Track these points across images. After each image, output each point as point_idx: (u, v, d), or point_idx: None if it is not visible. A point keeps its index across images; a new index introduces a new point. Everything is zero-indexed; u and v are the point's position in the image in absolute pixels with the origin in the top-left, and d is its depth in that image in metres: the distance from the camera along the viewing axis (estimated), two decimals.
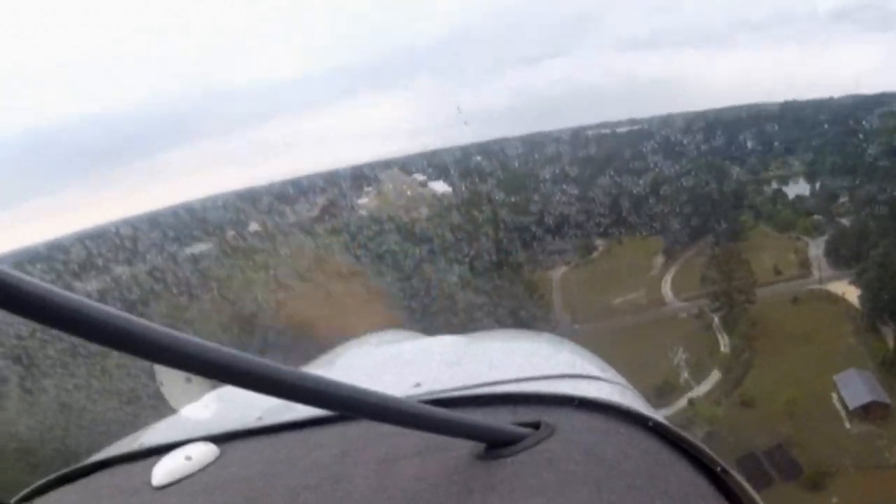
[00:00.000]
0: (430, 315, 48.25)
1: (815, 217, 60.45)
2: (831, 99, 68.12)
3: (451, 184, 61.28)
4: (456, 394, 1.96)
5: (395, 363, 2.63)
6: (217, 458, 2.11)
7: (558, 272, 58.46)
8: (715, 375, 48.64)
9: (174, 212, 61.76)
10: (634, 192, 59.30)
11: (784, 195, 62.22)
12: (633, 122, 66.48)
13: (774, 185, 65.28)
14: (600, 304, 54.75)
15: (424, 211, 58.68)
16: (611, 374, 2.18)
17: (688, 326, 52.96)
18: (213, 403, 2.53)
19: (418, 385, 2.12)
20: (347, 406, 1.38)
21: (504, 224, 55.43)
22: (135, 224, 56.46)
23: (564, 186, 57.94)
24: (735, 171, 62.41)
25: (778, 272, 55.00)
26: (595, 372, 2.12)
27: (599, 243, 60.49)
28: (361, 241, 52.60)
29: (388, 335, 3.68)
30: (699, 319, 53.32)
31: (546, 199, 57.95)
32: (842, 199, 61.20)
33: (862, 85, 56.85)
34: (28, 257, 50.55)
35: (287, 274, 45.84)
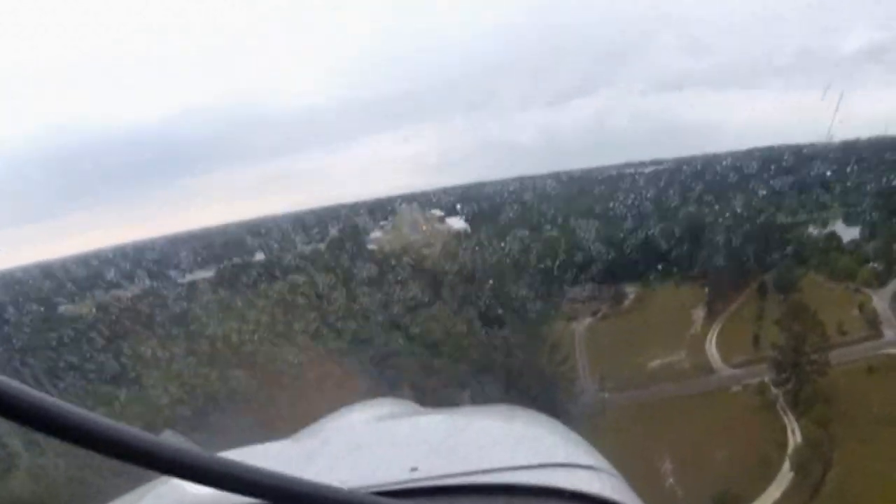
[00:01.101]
0: (432, 374, 37.90)
1: (873, 265, 47.32)
2: (858, 140, 57.57)
3: (468, 220, 52.64)
4: (453, 481, 1.90)
5: (388, 442, 2.40)
6: None
7: (583, 323, 45.87)
8: (786, 475, 34.55)
9: (186, 237, 55.68)
10: (668, 234, 49.31)
11: (838, 239, 49.51)
12: (656, 162, 57.03)
13: (812, 228, 53.02)
14: (633, 366, 42.20)
15: (437, 248, 49.95)
16: (602, 462, 2.19)
17: (743, 402, 39.32)
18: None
19: (415, 469, 1.96)
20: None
21: (523, 266, 47.22)
22: (141, 248, 51.57)
23: (591, 226, 48.18)
24: (773, 213, 52.03)
25: (842, 332, 40.92)
26: (587, 461, 2.12)
27: (630, 290, 47.97)
28: (362, 280, 44.17)
29: (379, 405, 3.16)
30: (759, 395, 39.59)
31: (572, 241, 47.59)
32: None
33: (891, 127, 46.54)
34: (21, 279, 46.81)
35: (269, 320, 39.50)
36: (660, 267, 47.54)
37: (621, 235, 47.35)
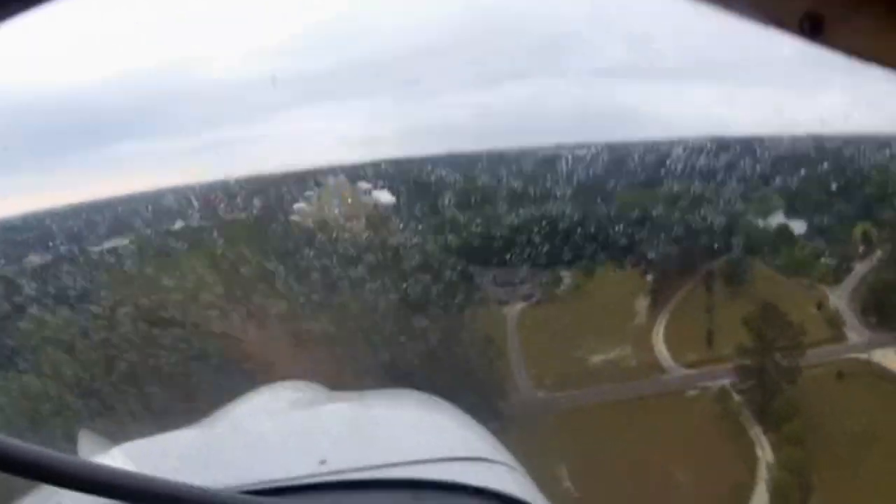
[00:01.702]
0: (348, 361, 31.50)
1: (826, 260, 41.99)
2: (796, 136, 52.53)
3: (396, 194, 46.37)
4: (361, 476, 1.94)
5: (296, 431, 2.48)
6: None
7: (514, 309, 39.18)
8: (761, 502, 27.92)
9: (105, 204, 48.72)
10: (605, 218, 43.48)
11: (789, 231, 44.03)
12: (590, 145, 51.24)
13: (758, 219, 47.70)
14: (573, 361, 35.59)
15: (361, 222, 44.34)
16: (503, 455, 2.27)
17: (702, 410, 33.26)
18: (118, 458, 2.06)
19: (324, 462, 2.01)
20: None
21: (452, 245, 41.34)
22: (59, 214, 44.88)
23: (524, 207, 42.64)
24: (716, 202, 46.49)
25: (802, 332, 34.80)
26: (490, 454, 2.19)
27: (565, 275, 41.89)
28: (278, 253, 38.28)
29: (286, 390, 3.26)
30: (719, 402, 33.65)
31: (503, 221, 41.85)
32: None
33: (826, 125, 42.31)
34: None
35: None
36: (596, 252, 41.08)
37: (555, 217, 41.06)
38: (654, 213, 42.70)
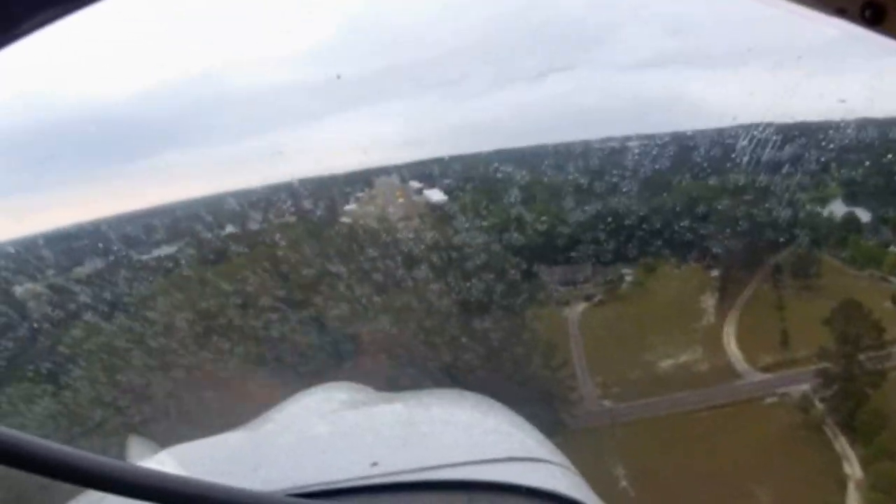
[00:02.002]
0: (407, 364, 30.17)
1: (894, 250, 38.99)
2: (856, 124, 49.08)
3: (448, 192, 44.46)
4: (414, 477, 2.00)
5: (346, 433, 2.55)
6: None
7: (576, 310, 36.53)
8: None
9: (158, 211, 43.69)
10: (664, 211, 40.92)
11: (856, 221, 41.15)
12: (640, 137, 48.63)
13: (820, 208, 44.67)
14: (641, 366, 33.03)
15: (414, 222, 42.69)
16: (555, 455, 2.25)
17: (782, 420, 29.86)
18: (167, 462, 2.20)
19: (376, 464, 2.06)
20: None
21: (508, 244, 39.28)
22: (104, 225, 39.94)
23: (580, 202, 38.62)
24: (774, 190, 43.48)
25: (880, 330, 31.43)
26: (542, 454, 2.22)
27: (626, 272, 39.02)
28: (330, 256, 35.82)
29: (334, 391, 3.35)
30: (801, 411, 30.26)
31: (559, 217, 38.82)
32: None
33: (876, 109, 38.20)
34: None
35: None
36: (660, 248, 38.68)
37: (613, 212, 38.79)
38: (716, 205, 40.14)
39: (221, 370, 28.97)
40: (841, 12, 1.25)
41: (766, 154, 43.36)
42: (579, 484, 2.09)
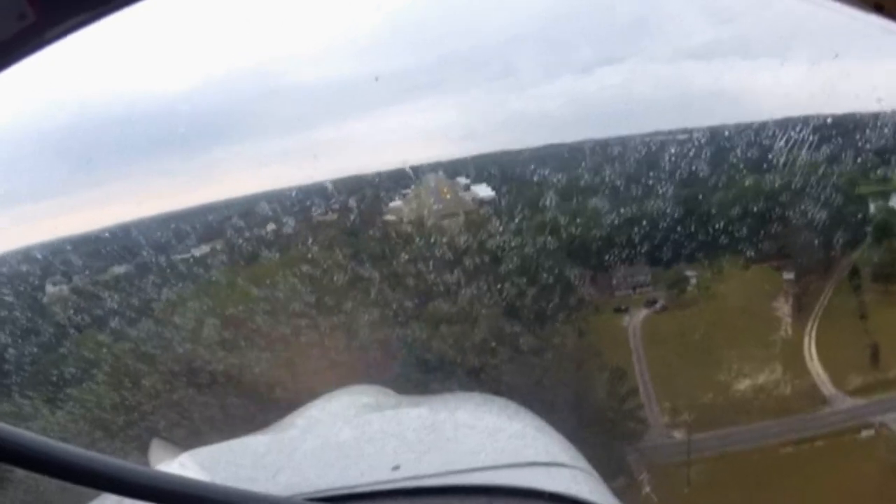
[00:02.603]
0: (442, 374, 27.18)
1: None
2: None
3: (496, 188, 40.09)
4: (436, 482, 1.94)
5: (370, 437, 2.44)
6: None
7: (637, 317, 31.50)
8: None
9: (195, 212, 41.60)
10: (725, 207, 35.74)
11: None
12: (687, 131, 44.19)
13: (879, 201, 39.13)
14: (714, 389, 27.35)
15: (461, 219, 38.51)
16: (577, 460, 2.18)
17: (882, 459, 23.86)
18: (189, 465, 2.09)
19: (397, 468, 2.04)
20: None
21: (559, 243, 34.69)
22: (148, 224, 37.60)
23: (635, 198, 34.85)
24: (837, 183, 37.98)
25: None
26: (564, 459, 2.14)
27: (690, 274, 34.19)
28: (376, 256, 33.17)
29: (357, 394, 3.26)
30: None
31: (613, 213, 33.85)
32: None
33: None
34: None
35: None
36: (719, 247, 33.63)
37: (670, 208, 33.95)
38: (779, 201, 34.54)
39: (247, 376, 26.98)
40: (878, 9, 1.16)
41: (822, 148, 38.58)
42: (601, 489, 1.91)
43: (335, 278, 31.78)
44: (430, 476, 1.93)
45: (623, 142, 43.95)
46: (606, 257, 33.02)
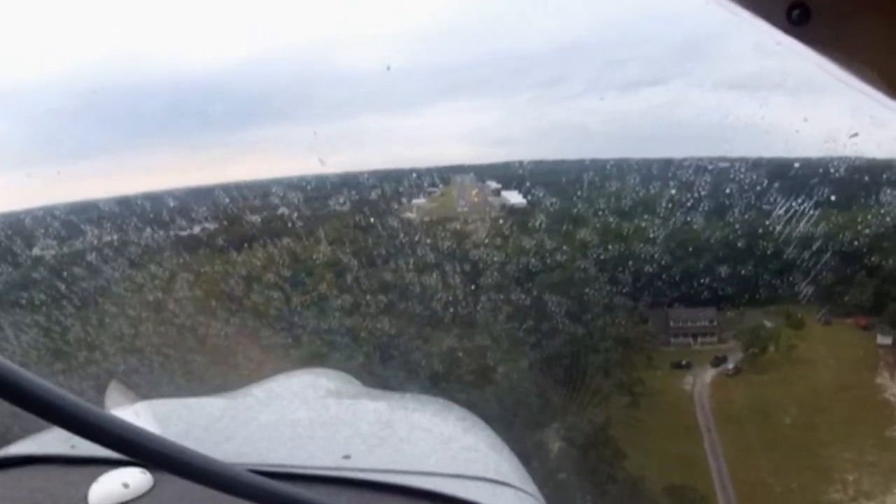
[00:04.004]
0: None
1: None
2: None
3: (530, 198, 32.35)
4: (382, 478, 1.73)
5: (325, 421, 2.26)
6: (151, 489, 1.71)
7: (702, 379, 22.61)
8: None
9: (209, 190, 38.29)
10: (802, 243, 26.15)
11: None
12: (724, 160, 36.61)
13: None
14: None
15: (486, 225, 31.35)
16: (526, 483, 1.96)
17: None
18: (143, 414, 1.97)
19: (347, 457, 1.84)
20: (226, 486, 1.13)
21: (601, 269, 25.88)
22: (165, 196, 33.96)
23: (691, 223, 26.65)
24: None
25: None
26: (513, 479, 1.91)
27: (767, 322, 25.38)
28: (370, 259, 27.25)
29: (321, 377, 2.91)
30: None
31: (665, 240, 26.58)
32: None
33: None
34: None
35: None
36: (797, 291, 24.27)
37: (734, 238, 24.94)
38: (838, 238, 25.56)
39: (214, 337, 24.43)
40: (765, 14, 1.06)
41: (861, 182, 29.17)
42: None
43: (324, 264, 28.02)
44: (377, 471, 1.62)
45: (669, 164, 36.09)
46: (659, 291, 23.96)
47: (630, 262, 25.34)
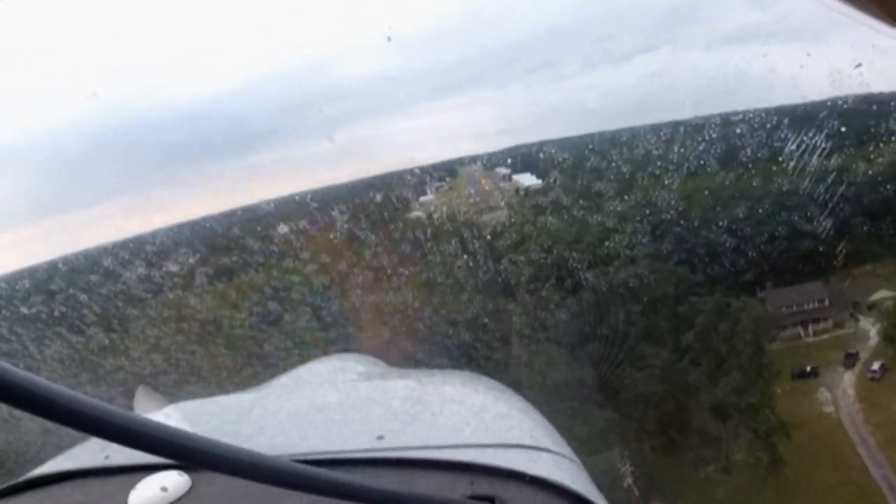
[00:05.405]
0: None
1: None
2: None
3: (541, 177, 28.35)
4: (419, 455, 1.65)
5: (356, 404, 2.10)
6: (190, 490, 1.62)
7: (841, 390, 14.85)
8: None
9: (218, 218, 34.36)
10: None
11: None
12: (727, 115, 30.58)
13: None
14: None
15: (503, 214, 27.59)
16: (561, 446, 1.85)
17: None
18: (174, 416, 1.87)
19: (381, 438, 1.74)
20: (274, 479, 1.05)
21: (652, 242, 18.81)
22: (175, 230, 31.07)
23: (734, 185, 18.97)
24: None
25: None
26: (548, 444, 1.79)
27: (887, 291, 16.98)
28: (377, 268, 23.97)
29: (349, 361, 2.79)
30: None
31: (718, 200, 19.21)
32: None
33: None
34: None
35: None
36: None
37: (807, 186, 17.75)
38: None
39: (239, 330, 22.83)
40: None
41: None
42: (583, 478, 1.59)
43: (341, 263, 24.92)
44: (412, 448, 1.54)
45: (653, 130, 29.95)
46: (742, 269, 16.33)
47: (694, 235, 17.98)
